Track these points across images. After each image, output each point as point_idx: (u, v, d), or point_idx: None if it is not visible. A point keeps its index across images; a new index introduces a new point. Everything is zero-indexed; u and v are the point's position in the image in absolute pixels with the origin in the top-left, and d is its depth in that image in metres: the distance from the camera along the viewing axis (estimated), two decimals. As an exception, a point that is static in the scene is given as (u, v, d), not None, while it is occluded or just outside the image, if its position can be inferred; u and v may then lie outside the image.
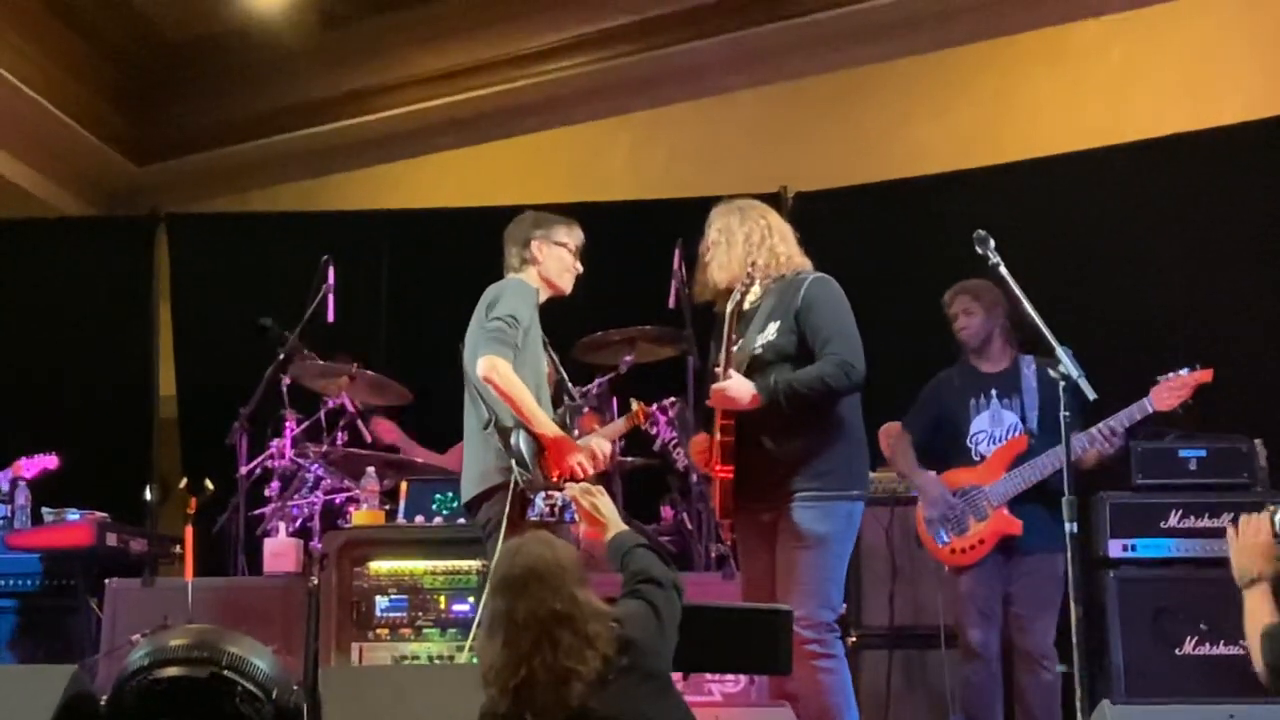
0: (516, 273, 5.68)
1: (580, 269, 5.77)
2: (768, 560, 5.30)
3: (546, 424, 5.40)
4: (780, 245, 5.44)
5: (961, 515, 6.20)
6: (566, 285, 5.74)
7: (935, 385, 6.53)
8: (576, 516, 4.73)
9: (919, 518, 6.37)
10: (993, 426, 6.31)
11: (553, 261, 5.68)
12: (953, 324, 6.47)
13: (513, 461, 5.29)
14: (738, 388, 5.18)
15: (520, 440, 5.32)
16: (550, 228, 5.71)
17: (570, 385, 6.20)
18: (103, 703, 4.52)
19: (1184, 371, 6.00)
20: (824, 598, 5.15)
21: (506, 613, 3.63)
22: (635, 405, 6.10)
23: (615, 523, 4.47)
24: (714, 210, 5.59)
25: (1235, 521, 4.25)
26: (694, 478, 6.99)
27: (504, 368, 5.32)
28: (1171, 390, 5.98)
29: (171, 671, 4.36)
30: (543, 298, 5.68)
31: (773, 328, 5.31)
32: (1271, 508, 4.18)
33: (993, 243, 5.11)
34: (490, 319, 5.41)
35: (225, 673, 4.34)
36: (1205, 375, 5.99)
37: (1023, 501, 6.10)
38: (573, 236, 5.75)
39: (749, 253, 5.38)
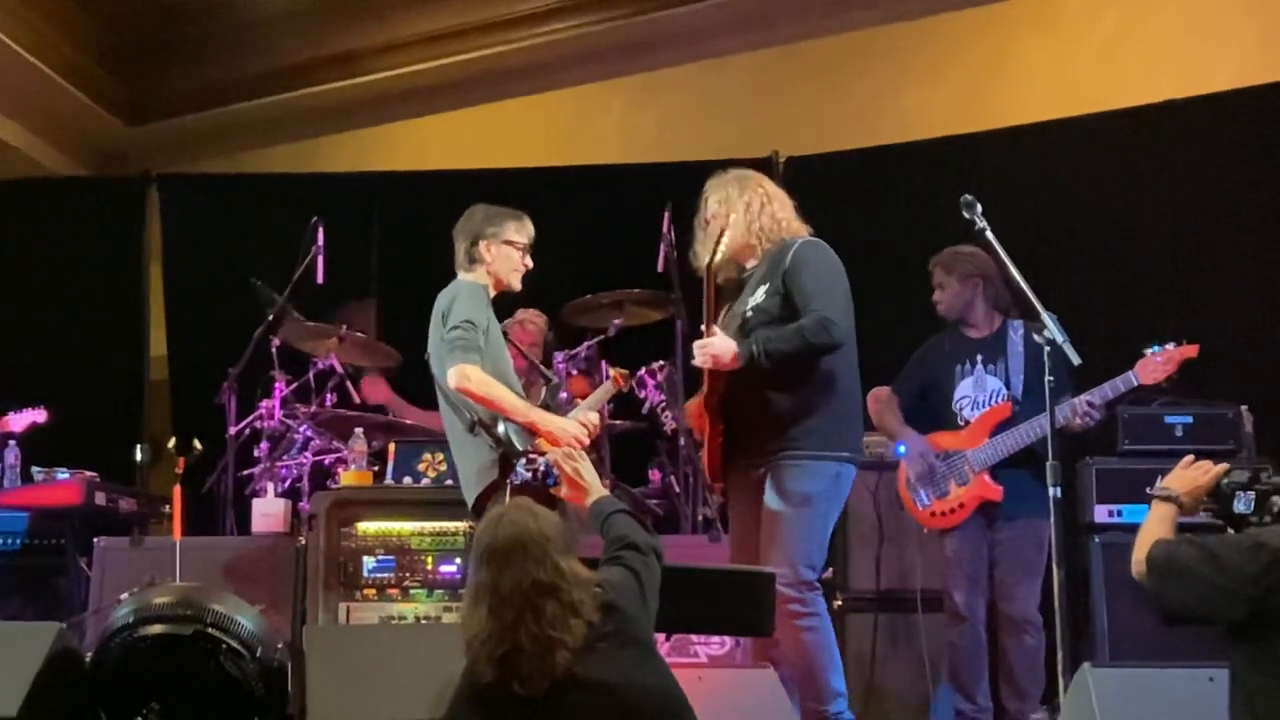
0: (466, 271, 5.66)
1: (530, 265, 5.72)
2: (756, 519, 5.32)
3: (531, 412, 5.42)
4: (780, 212, 5.46)
5: (943, 478, 6.22)
6: (515, 283, 5.72)
7: (925, 350, 6.53)
8: (558, 480, 4.75)
9: (900, 479, 6.38)
10: (976, 392, 6.31)
11: (501, 261, 5.65)
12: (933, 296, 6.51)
13: (504, 451, 5.31)
14: (720, 345, 5.21)
15: (509, 429, 5.34)
16: (500, 225, 5.66)
17: (543, 368, 6.18)
18: (88, 659, 4.54)
19: (1170, 345, 5.99)
20: (805, 556, 5.17)
21: (491, 584, 3.65)
22: (613, 371, 6.10)
23: (596, 487, 4.51)
24: (710, 182, 5.58)
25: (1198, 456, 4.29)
26: (682, 441, 7.00)
27: (475, 373, 5.32)
28: (1158, 365, 5.97)
29: (156, 629, 4.39)
30: (492, 294, 5.67)
31: (761, 291, 5.34)
32: (1227, 468, 4.21)
33: (979, 208, 5.10)
34: (449, 330, 5.40)
35: (209, 630, 4.37)
36: (1190, 350, 5.98)
37: (1008, 467, 6.11)
38: (522, 233, 5.69)
39: (751, 221, 5.40)
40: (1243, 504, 4.10)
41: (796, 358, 5.18)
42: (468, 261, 5.67)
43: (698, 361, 5.28)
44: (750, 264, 5.47)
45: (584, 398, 5.78)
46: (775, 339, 5.18)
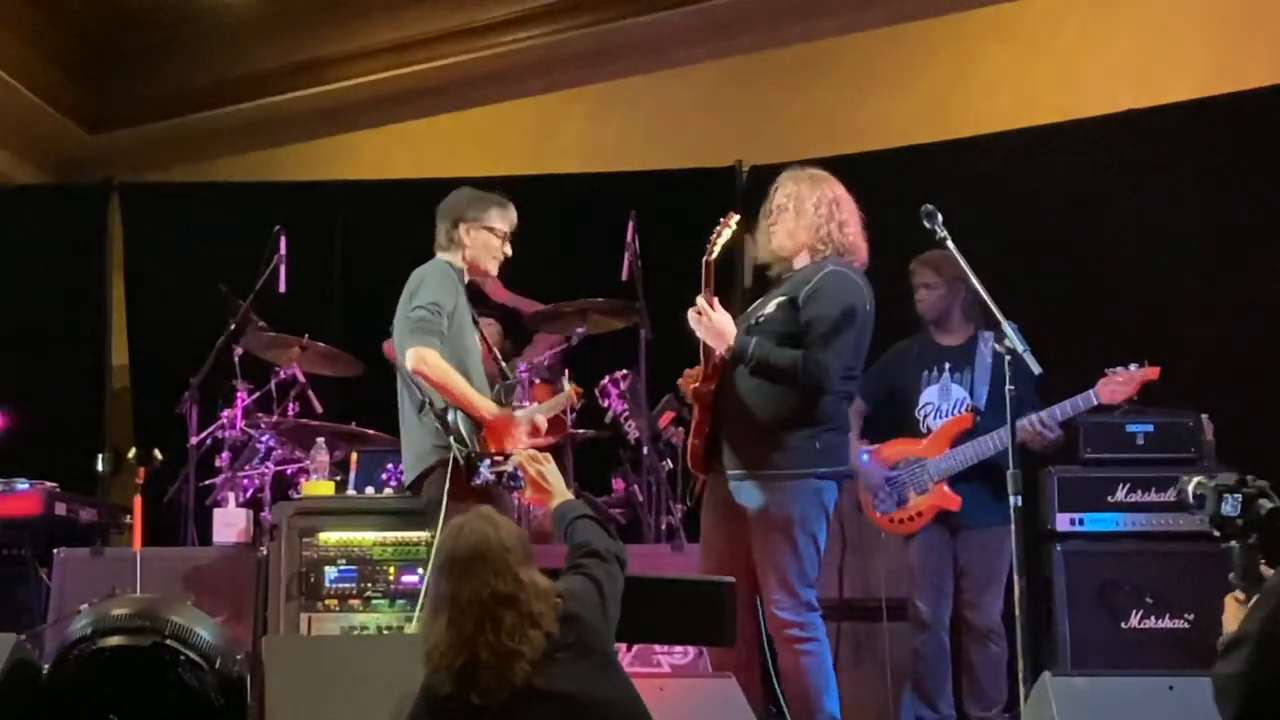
0: (444, 251, 5.68)
1: (509, 253, 5.76)
2: (731, 524, 5.32)
3: (483, 405, 5.45)
4: (849, 225, 5.46)
5: (902, 487, 6.24)
6: (492, 269, 5.77)
7: (892, 354, 6.54)
8: (523, 483, 4.75)
9: (860, 489, 6.39)
10: (941, 400, 6.34)
11: (480, 248, 5.69)
12: (915, 295, 6.51)
13: (451, 439, 5.31)
14: (722, 325, 5.22)
15: (457, 419, 5.34)
16: (484, 211, 5.70)
17: (504, 363, 6.17)
18: (45, 671, 4.51)
19: (1132, 367, 6.02)
20: (800, 577, 5.19)
21: (450, 594, 3.64)
22: (569, 387, 6.12)
23: (561, 491, 4.50)
24: (783, 175, 5.57)
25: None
26: (645, 450, 6.99)
27: (432, 358, 5.36)
28: (1118, 385, 6.01)
29: (114, 641, 4.36)
30: (467, 279, 5.70)
31: (776, 302, 5.35)
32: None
33: (940, 217, 5.12)
34: (413, 309, 5.43)
35: (168, 642, 4.34)
36: (1152, 373, 6.02)
37: (966, 477, 6.14)
38: (505, 220, 5.73)
39: (820, 223, 5.39)
40: (1229, 506, 4.12)
41: (776, 379, 5.18)
42: (447, 242, 5.70)
43: (692, 324, 5.27)
44: (798, 265, 5.45)
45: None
46: (772, 354, 5.17)
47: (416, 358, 5.34)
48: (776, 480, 5.19)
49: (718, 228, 5.34)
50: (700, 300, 5.26)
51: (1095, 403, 6.03)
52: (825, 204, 5.41)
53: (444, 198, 5.88)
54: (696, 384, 5.38)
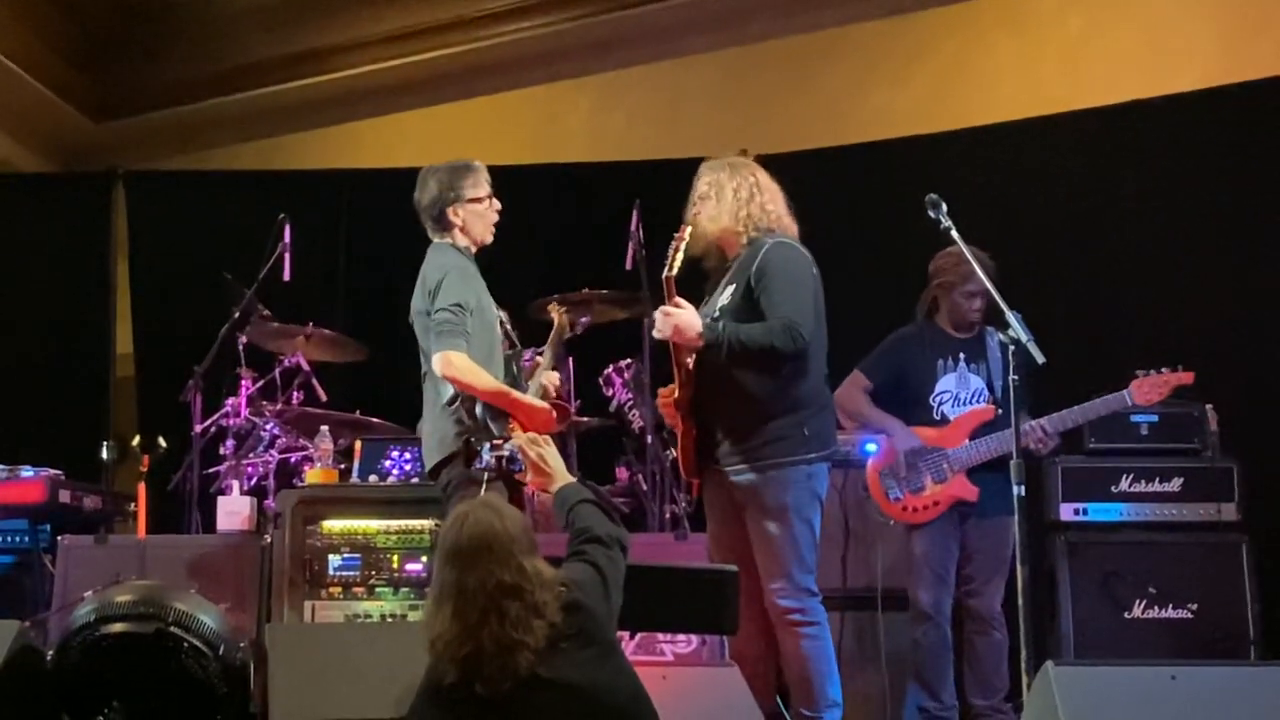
0: (441, 236, 5.62)
1: (499, 206, 5.69)
2: (733, 522, 5.34)
3: (511, 396, 5.42)
4: (770, 204, 5.45)
5: (920, 473, 6.19)
6: (487, 238, 5.68)
7: (899, 339, 6.46)
8: (524, 466, 4.74)
9: (870, 470, 6.33)
10: (958, 389, 6.28)
11: (473, 220, 5.61)
12: (956, 287, 6.29)
13: (468, 437, 5.31)
14: (687, 319, 5.21)
15: (485, 414, 5.33)
16: (459, 187, 5.60)
17: (512, 332, 6.12)
18: (49, 658, 4.52)
19: (1165, 370, 6.00)
20: (798, 564, 5.21)
21: (455, 584, 3.64)
22: (553, 310, 6.07)
23: (562, 474, 4.49)
24: (702, 165, 5.61)
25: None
26: (649, 439, 6.99)
27: (459, 360, 5.30)
28: (1153, 387, 5.98)
29: (117, 628, 4.37)
30: (474, 252, 5.67)
31: (729, 291, 5.35)
32: None
33: (945, 207, 5.12)
34: (436, 311, 5.37)
35: (171, 629, 4.36)
36: (1186, 377, 5.99)
37: (982, 466, 6.12)
38: (480, 185, 5.64)
39: (739, 207, 5.40)
40: None
41: (758, 357, 5.17)
42: (440, 230, 5.64)
43: (659, 331, 5.28)
44: (733, 254, 5.46)
45: (554, 394, 5.75)
46: (743, 331, 5.17)
47: (444, 362, 5.29)
48: (767, 470, 5.20)
49: (673, 243, 5.34)
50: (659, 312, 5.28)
51: (1129, 404, 6.01)
52: (746, 188, 5.44)
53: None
54: (672, 398, 5.40)
